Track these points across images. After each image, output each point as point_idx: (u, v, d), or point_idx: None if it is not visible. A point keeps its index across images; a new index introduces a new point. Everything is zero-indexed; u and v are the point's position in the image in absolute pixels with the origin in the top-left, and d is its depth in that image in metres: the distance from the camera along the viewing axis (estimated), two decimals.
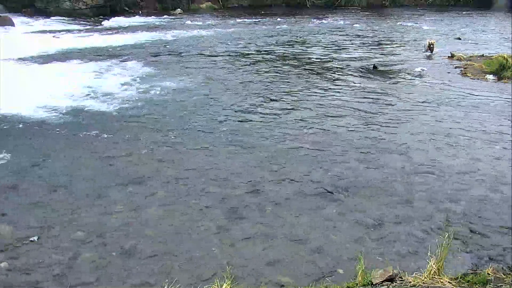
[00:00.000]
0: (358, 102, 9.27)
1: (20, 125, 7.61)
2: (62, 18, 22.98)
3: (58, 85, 9.85)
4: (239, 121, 8.03)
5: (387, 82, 11.09)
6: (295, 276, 4.02)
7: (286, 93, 9.82)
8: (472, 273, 3.26)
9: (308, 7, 30.44)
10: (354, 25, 22.26)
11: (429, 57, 13.97)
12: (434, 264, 3.16)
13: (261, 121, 8.00)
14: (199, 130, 7.55)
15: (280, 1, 31.59)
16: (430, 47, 14.38)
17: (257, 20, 23.88)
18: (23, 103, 8.47)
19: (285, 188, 5.60)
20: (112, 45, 15.49)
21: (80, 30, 19.35)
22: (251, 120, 8.05)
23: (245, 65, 12.74)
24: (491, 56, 13.14)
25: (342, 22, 23.62)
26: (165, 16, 25.45)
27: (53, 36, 17.07)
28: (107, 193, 5.41)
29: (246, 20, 23.73)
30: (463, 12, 28.22)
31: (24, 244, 4.39)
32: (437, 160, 6.46)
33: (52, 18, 22.69)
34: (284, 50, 15.44)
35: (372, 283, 3.22)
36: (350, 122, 8.04)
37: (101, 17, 24.06)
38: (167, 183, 5.69)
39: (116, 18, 23.58)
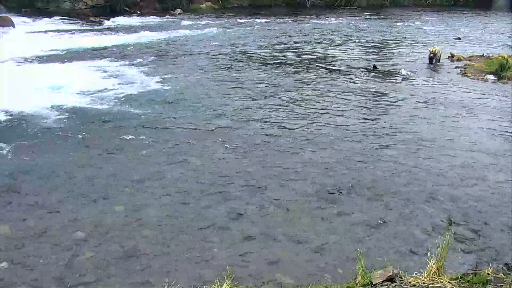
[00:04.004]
0: (359, 101, 9.27)
1: (20, 124, 7.60)
2: (62, 18, 22.95)
3: (58, 84, 9.84)
4: (237, 120, 8.02)
5: (387, 82, 11.09)
6: (295, 276, 4.03)
7: (285, 93, 9.81)
8: (472, 273, 3.26)
9: (308, 7, 30.41)
10: (354, 25, 22.25)
11: (434, 67, 12.65)
12: (434, 264, 3.16)
13: (259, 120, 8.00)
14: (198, 129, 7.55)
15: (280, 1, 31.55)
16: (434, 57, 12.76)
17: (257, 20, 23.86)
18: (24, 103, 8.47)
19: (285, 187, 5.60)
20: (111, 45, 15.47)
21: (80, 30, 19.33)
22: (249, 119, 8.05)
23: (245, 65, 12.73)
24: (491, 56, 13.14)
25: (342, 22, 23.60)
26: (165, 16, 25.44)
27: (53, 36, 17.06)
28: (108, 192, 5.41)
29: (246, 20, 23.71)
30: (463, 12, 28.21)
31: (24, 244, 4.39)
32: (437, 160, 6.47)
33: (52, 18, 22.66)
34: (284, 50, 15.43)
35: (372, 283, 3.22)
36: (350, 122, 8.03)
37: (101, 17, 24.04)
38: (167, 182, 5.69)
39: (116, 18, 23.56)
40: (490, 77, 11.41)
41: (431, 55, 12.83)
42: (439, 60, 12.96)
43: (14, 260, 4.16)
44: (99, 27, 20.76)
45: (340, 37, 18.39)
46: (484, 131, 7.70)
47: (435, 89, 10.40)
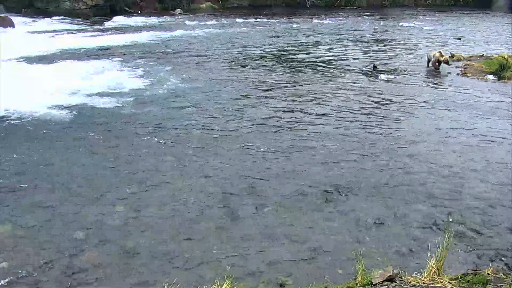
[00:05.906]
0: (359, 102, 9.27)
1: (21, 124, 7.61)
2: (62, 18, 22.98)
3: (59, 84, 9.84)
4: (238, 120, 8.02)
5: (387, 82, 11.09)
6: (295, 276, 4.03)
7: (285, 93, 9.82)
8: (472, 273, 3.26)
9: (308, 7, 30.43)
10: (354, 25, 22.26)
11: (436, 72, 11.93)
12: (434, 264, 3.17)
13: (259, 120, 8.00)
14: (199, 129, 7.55)
15: (280, 1, 31.60)
16: (439, 62, 11.94)
17: (256, 20, 23.88)
18: (24, 103, 8.47)
19: (285, 187, 5.60)
20: (112, 45, 15.49)
21: (80, 30, 19.35)
22: (249, 120, 8.05)
23: (244, 65, 12.74)
24: (491, 56, 13.14)
25: (342, 22, 23.61)
26: (165, 16, 25.45)
27: (53, 37, 17.06)
28: (108, 192, 5.41)
29: (246, 20, 23.73)
30: (463, 12, 28.23)
31: (24, 244, 4.39)
32: (436, 160, 6.47)
33: (52, 18, 22.68)
34: (284, 50, 15.43)
35: (372, 283, 3.22)
36: (350, 122, 8.03)
37: (101, 17, 24.06)
38: (167, 182, 5.69)
39: (116, 18, 23.58)
40: (490, 77, 11.41)
41: (438, 59, 11.95)
42: (440, 64, 12.28)
43: (14, 260, 4.15)
44: (99, 27, 20.77)
45: (341, 37, 18.40)
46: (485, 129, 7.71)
47: (435, 89, 10.40)
